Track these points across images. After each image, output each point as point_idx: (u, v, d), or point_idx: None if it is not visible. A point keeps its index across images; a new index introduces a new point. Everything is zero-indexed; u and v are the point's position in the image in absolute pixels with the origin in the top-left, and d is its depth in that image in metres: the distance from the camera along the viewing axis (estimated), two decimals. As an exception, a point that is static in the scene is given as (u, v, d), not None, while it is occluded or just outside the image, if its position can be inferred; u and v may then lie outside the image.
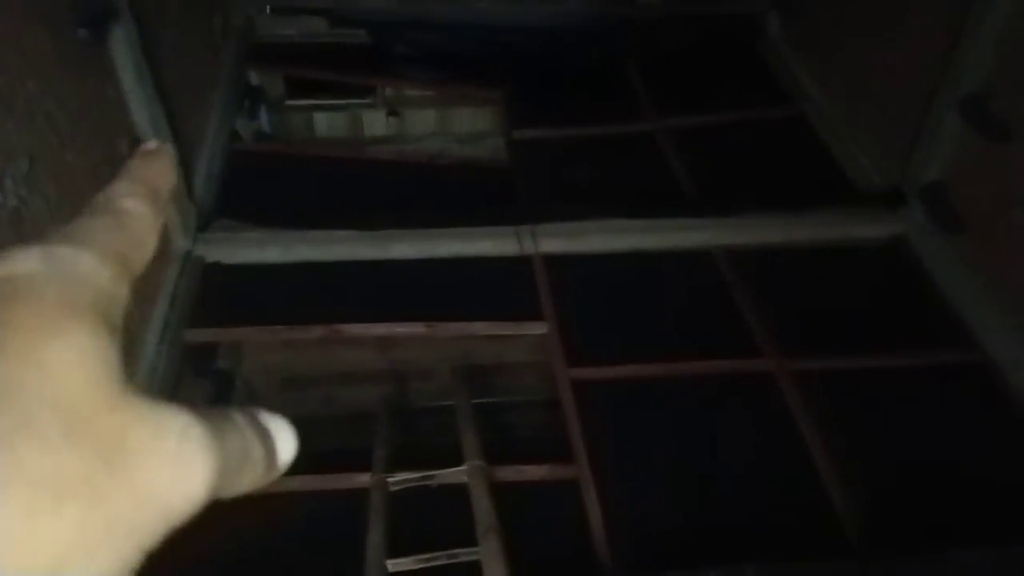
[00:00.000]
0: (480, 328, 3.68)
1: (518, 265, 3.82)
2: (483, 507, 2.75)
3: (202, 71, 4.26)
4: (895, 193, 4.05)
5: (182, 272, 3.46)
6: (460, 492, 2.94)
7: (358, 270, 3.80)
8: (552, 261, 3.82)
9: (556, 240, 3.90)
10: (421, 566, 2.57)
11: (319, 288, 3.72)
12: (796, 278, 3.83)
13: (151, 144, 0.42)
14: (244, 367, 3.93)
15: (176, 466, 0.30)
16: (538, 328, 3.56)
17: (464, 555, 2.57)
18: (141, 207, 0.36)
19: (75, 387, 0.28)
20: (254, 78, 5.10)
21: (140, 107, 3.22)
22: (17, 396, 0.26)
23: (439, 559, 2.58)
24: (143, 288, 3.24)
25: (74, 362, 0.28)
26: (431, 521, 2.94)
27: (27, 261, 0.30)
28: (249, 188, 4.22)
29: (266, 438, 0.38)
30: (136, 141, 3.25)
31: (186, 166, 3.66)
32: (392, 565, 2.57)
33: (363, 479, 3.05)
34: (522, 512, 2.86)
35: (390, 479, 3.01)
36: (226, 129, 4.38)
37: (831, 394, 3.22)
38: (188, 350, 3.41)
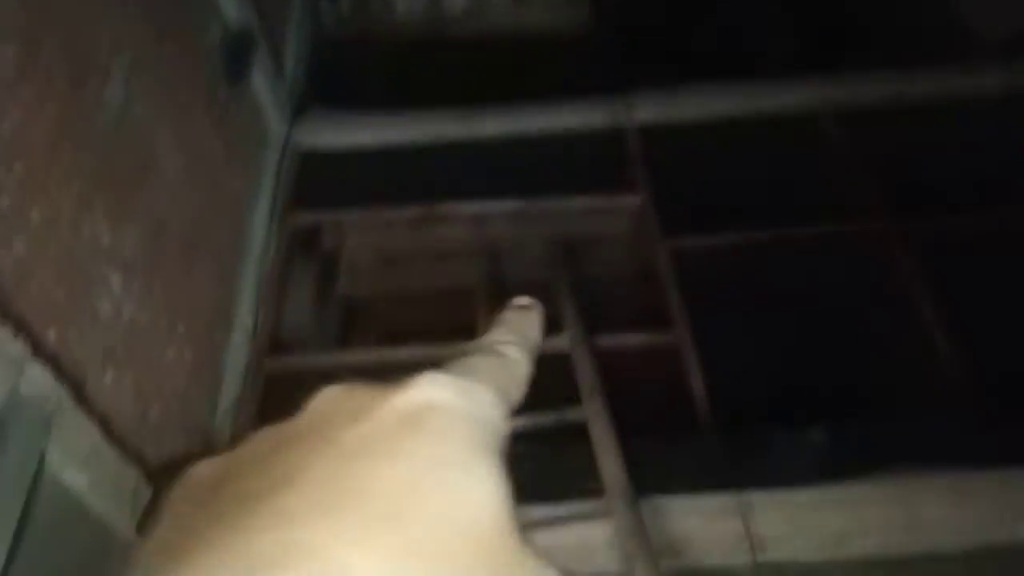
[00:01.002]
0: (574, 203, 3.68)
1: (611, 137, 3.75)
2: (586, 370, 2.82)
3: (283, -47, 4.22)
4: (1017, 41, 3.73)
5: (282, 156, 3.55)
6: (563, 362, 3.00)
7: (451, 150, 3.82)
8: (646, 132, 3.73)
9: (649, 109, 3.79)
10: (531, 425, 2.67)
11: (413, 170, 3.76)
12: (908, 135, 3.62)
13: (524, 300, 0.46)
14: (347, 247, 4.06)
15: None
16: (632, 200, 3.52)
17: (571, 415, 2.66)
18: (519, 355, 0.41)
19: (487, 533, 0.29)
20: (333, -42, 5.01)
21: (228, -8, 3.23)
22: (443, 539, 0.28)
23: (547, 419, 2.68)
24: (249, 174, 3.36)
25: (486, 505, 0.30)
26: (534, 389, 3.04)
27: (443, 390, 0.33)
28: (336, 74, 4.23)
29: None
30: (228, 33, 3.28)
31: (275, 48, 3.68)
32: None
33: (468, 347, 3.16)
34: (623, 380, 2.92)
35: (494, 348, 3.10)
36: (309, 11, 4.37)
37: (942, 255, 3.10)
38: (295, 232, 3.54)
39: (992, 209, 3.20)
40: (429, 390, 0.33)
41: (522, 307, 0.45)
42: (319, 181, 3.64)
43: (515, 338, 0.42)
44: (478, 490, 0.30)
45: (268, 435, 0.33)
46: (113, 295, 2.34)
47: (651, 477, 2.48)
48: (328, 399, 0.34)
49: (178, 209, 2.80)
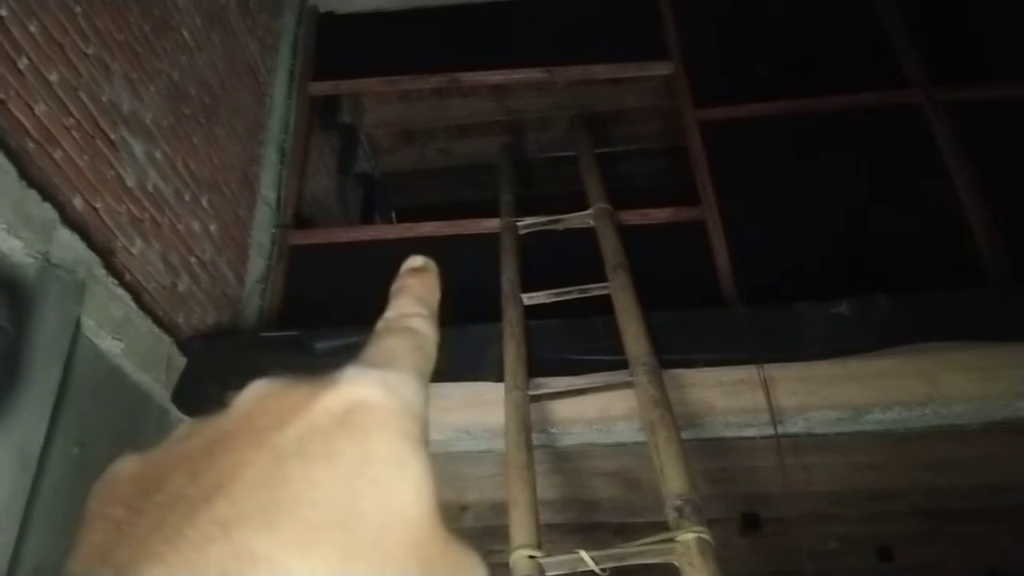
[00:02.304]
0: (601, 71, 3.53)
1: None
2: (611, 245, 2.79)
3: None
4: None
5: (299, 21, 3.42)
6: (587, 237, 2.97)
7: (473, 15, 3.65)
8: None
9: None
10: (555, 299, 2.69)
11: (434, 36, 3.61)
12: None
13: (418, 260, 0.45)
14: (365, 121, 3.98)
15: None
16: (663, 68, 3.38)
17: (595, 289, 2.66)
18: (427, 327, 0.40)
19: (419, 526, 0.31)
20: None
21: None
22: (380, 539, 0.30)
23: (571, 293, 2.68)
24: (265, 39, 3.25)
25: (417, 500, 0.32)
26: (561, 264, 2.99)
27: (371, 387, 0.33)
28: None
29: None
30: None
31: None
32: (527, 299, 2.69)
33: (491, 223, 3.13)
34: (649, 255, 2.88)
35: (518, 223, 3.08)
36: None
37: (984, 126, 2.99)
38: (313, 103, 3.45)
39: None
40: (357, 388, 0.33)
41: (417, 269, 0.45)
42: (338, 46, 3.51)
43: (420, 308, 0.41)
44: (410, 485, 0.32)
45: (195, 432, 0.33)
46: (137, 163, 2.32)
47: (674, 349, 2.49)
48: (255, 397, 0.34)
49: (196, 73, 2.72)
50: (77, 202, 2.05)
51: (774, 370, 2.50)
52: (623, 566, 1.95)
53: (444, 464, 3.24)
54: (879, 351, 2.45)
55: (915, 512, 3.37)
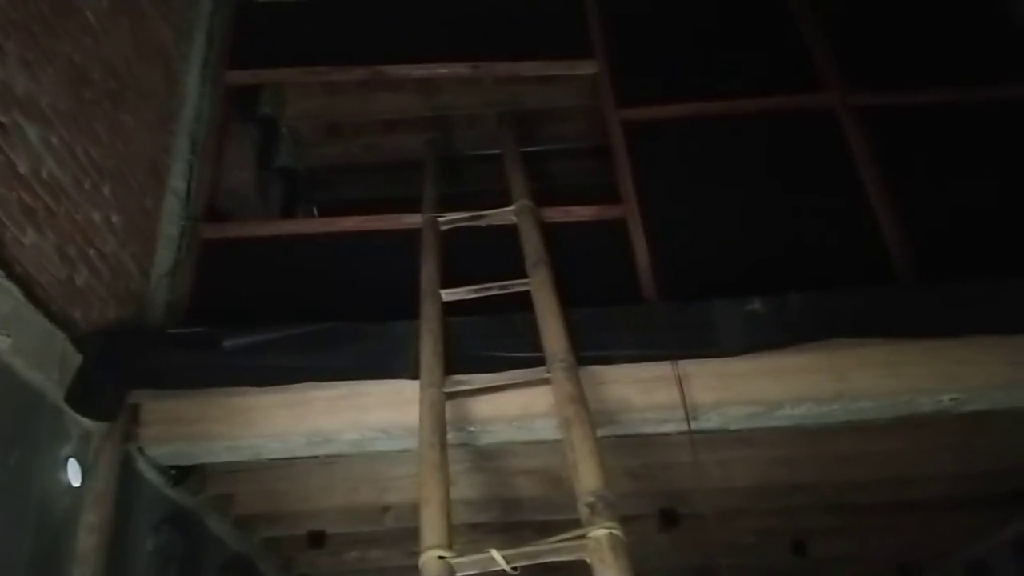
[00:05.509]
0: (527, 68, 3.51)
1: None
2: (532, 242, 2.78)
3: None
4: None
5: (215, 9, 3.30)
6: (510, 234, 2.94)
7: (399, 6, 3.59)
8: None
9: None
10: (475, 296, 2.65)
11: (360, 28, 3.53)
12: (867, 4, 3.53)
13: None
14: (287, 113, 3.87)
15: None
16: (588, 67, 3.38)
17: (515, 286, 2.63)
18: None
19: None
20: None
21: None
22: None
23: (491, 289, 2.65)
24: (179, 25, 3.12)
25: None
26: (483, 262, 2.94)
27: None
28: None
29: None
30: None
31: None
32: (447, 295, 2.65)
33: (414, 219, 3.08)
34: (570, 253, 2.87)
35: (440, 219, 3.04)
36: None
37: (894, 130, 3.07)
38: (231, 93, 3.34)
39: (954, 84, 3.14)
40: None
41: None
42: (257, 33, 3.41)
43: None
44: None
45: None
46: (31, 148, 2.19)
47: (593, 346, 2.48)
48: None
49: (100, 57, 2.59)
50: (-40, 188, 1.92)
51: (690, 366, 2.51)
52: (541, 564, 1.92)
53: (363, 465, 3.19)
54: (792, 347, 2.49)
55: (827, 506, 3.45)
